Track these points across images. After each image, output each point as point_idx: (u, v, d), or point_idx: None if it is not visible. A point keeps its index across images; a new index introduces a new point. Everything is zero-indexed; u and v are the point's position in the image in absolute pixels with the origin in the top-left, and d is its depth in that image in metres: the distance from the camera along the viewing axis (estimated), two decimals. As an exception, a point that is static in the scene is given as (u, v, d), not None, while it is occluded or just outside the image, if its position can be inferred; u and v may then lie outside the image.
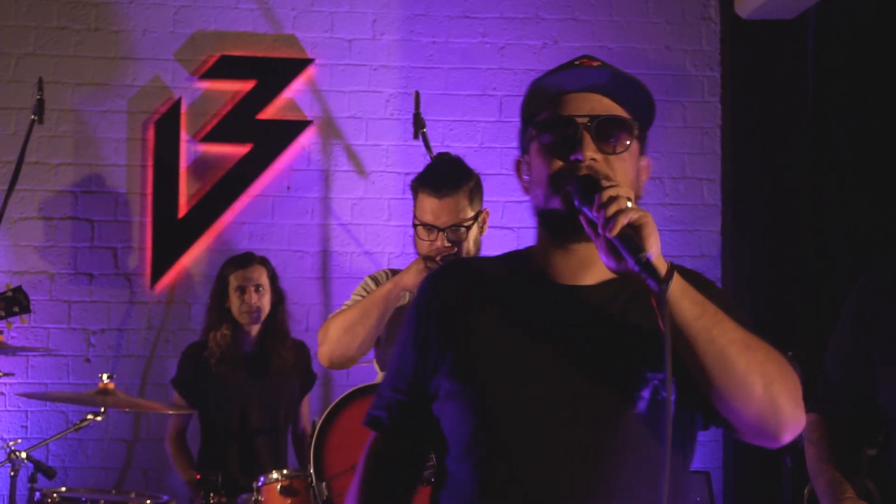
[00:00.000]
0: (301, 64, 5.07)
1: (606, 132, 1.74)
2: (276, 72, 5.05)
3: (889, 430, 2.55)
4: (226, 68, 5.04)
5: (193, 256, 4.97)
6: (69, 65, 4.99)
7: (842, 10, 5.08)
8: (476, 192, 3.31)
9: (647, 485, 1.66)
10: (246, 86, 5.03)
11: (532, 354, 1.75)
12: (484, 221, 3.34)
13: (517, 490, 1.71)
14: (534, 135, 1.80)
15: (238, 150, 5.01)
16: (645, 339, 1.66)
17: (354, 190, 5.09)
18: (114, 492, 4.43)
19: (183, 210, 4.95)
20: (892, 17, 4.95)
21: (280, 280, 4.65)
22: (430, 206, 3.23)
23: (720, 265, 5.20)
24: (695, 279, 1.76)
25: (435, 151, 4.57)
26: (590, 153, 1.71)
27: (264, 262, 4.51)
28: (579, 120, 1.74)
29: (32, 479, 3.82)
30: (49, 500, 3.71)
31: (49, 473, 3.84)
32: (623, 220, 1.60)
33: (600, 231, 1.61)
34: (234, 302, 4.41)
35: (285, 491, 3.50)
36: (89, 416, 3.92)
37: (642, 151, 1.78)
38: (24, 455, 3.76)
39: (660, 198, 5.20)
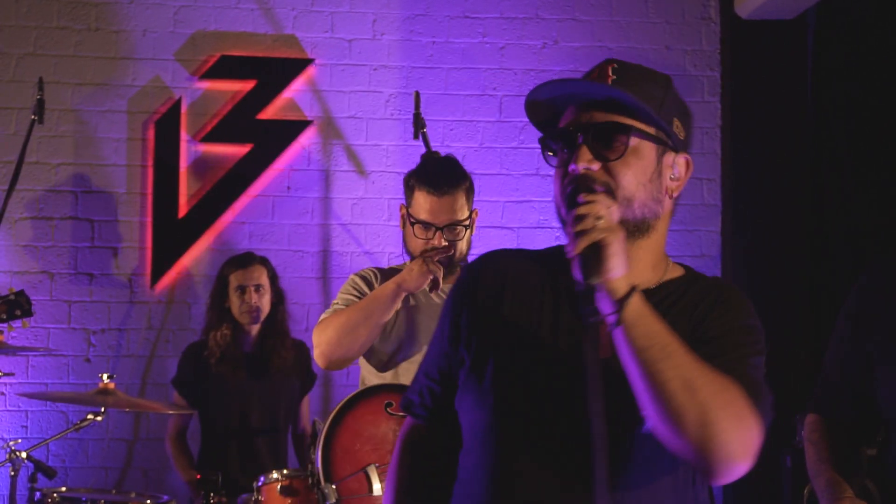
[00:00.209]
0: (301, 64, 5.07)
1: (601, 139, 1.70)
2: (276, 72, 5.05)
3: (888, 430, 2.56)
4: (226, 68, 5.04)
5: (193, 256, 4.97)
6: (69, 65, 4.99)
7: (842, 10, 5.08)
8: (471, 191, 3.30)
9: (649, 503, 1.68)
10: (246, 86, 5.03)
11: (545, 360, 1.74)
12: (473, 222, 3.33)
13: (512, 497, 1.72)
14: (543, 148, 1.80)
15: (238, 150, 5.01)
16: None
17: (354, 190, 5.09)
18: (114, 492, 4.43)
19: (183, 210, 4.95)
20: (892, 17, 4.95)
21: (280, 280, 4.65)
22: (429, 205, 3.20)
23: (720, 265, 5.21)
24: (709, 293, 1.78)
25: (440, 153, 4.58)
26: (583, 163, 1.69)
27: (264, 262, 4.51)
28: (572, 130, 1.72)
29: (33, 479, 3.82)
30: (49, 500, 3.71)
31: (49, 473, 3.85)
32: (583, 242, 1.58)
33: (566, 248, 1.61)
34: (234, 302, 4.41)
35: (285, 491, 3.50)
36: (89, 416, 3.92)
37: (668, 150, 1.74)
38: (24, 455, 3.76)
39: (660, 198, 5.20)
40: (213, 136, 5.01)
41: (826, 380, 2.71)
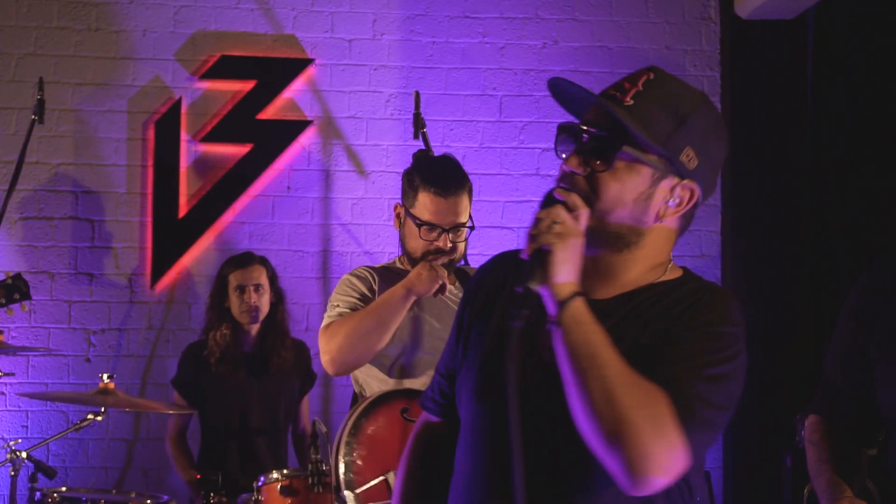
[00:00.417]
0: (301, 64, 5.08)
1: (595, 148, 1.70)
2: (276, 72, 5.05)
3: (888, 431, 2.56)
4: (226, 68, 5.04)
5: (193, 256, 4.97)
6: (69, 65, 4.99)
7: (841, 10, 5.09)
8: (471, 191, 3.29)
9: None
10: (246, 86, 5.03)
11: (523, 362, 1.75)
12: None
13: (475, 492, 1.78)
14: None
15: (238, 150, 5.01)
16: (627, 357, 1.63)
17: (354, 190, 5.09)
18: (114, 491, 4.43)
19: (183, 210, 4.95)
20: (892, 17, 4.95)
21: (280, 280, 4.65)
22: (436, 206, 3.16)
23: (720, 265, 5.21)
24: (691, 296, 1.74)
25: (435, 151, 4.58)
26: (570, 166, 1.71)
27: (264, 261, 4.51)
28: (577, 129, 1.73)
29: (33, 479, 3.82)
30: (49, 500, 3.71)
31: (49, 473, 3.85)
32: (532, 245, 1.62)
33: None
34: (234, 301, 4.42)
35: (285, 491, 3.50)
36: (90, 416, 3.92)
37: (670, 175, 1.70)
38: (24, 455, 3.77)
39: (660, 198, 5.20)
40: (213, 136, 5.01)
41: (827, 381, 2.71)
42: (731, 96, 5.20)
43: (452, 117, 5.15)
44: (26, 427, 4.85)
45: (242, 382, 4.39)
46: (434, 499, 1.94)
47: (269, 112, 5.04)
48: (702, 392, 1.62)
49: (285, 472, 3.57)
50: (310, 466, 3.49)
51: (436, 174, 3.21)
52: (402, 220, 3.27)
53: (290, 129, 5.05)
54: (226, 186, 5.00)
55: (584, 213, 1.66)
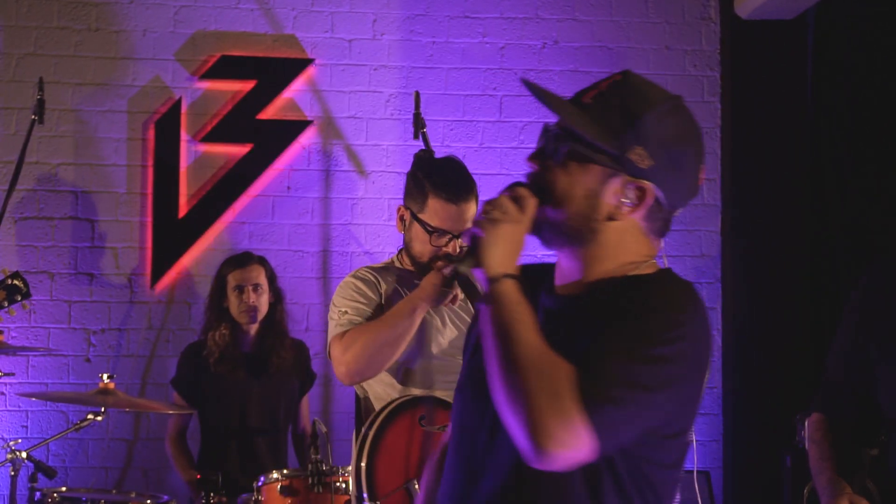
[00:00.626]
0: (301, 64, 5.08)
1: (549, 145, 1.77)
2: (276, 72, 5.05)
3: (889, 430, 2.58)
4: (226, 68, 5.04)
5: (193, 256, 4.97)
6: (69, 65, 4.99)
7: (842, 10, 5.09)
8: (478, 195, 3.24)
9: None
10: (246, 86, 5.03)
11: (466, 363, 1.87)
12: None
13: (444, 492, 1.86)
14: None
15: (238, 150, 5.01)
16: (566, 356, 1.65)
17: (354, 190, 5.09)
18: (114, 491, 4.43)
19: (183, 210, 4.95)
20: (892, 17, 4.95)
21: (280, 280, 4.65)
22: (448, 212, 3.11)
23: (720, 265, 5.21)
24: (645, 290, 1.73)
25: (435, 151, 4.58)
26: (534, 161, 1.79)
27: (262, 261, 4.51)
28: (544, 130, 1.80)
29: (33, 479, 3.82)
30: (49, 500, 3.71)
31: (49, 473, 3.85)
32: (469, 231, 1.72)
33: None
34: (233, 301, 4.41)
35: (285, 491, 3.50)
36: (90, 416, 3.92)
37: (621, 174, 1.73)
38: (24, 455, 3.77)
39: (660, 198, 5.20)
40: (213, 136, 5.01)
41: (829, 380, 2.73)
42: (731, 96, 5.20)
43: (452, 117, 5.15)
44: (26, 427, 4.85)
45: (242, 382, 4.39)
46: None
47: (269, 112, 5.04)
48: (616, 370, 1.62)
49: (285, 472, 3.57)
50: (310, 466, 3.49)
51: (447, 180, 3.15)
52: (406, 224, 3.21)
53: (290, 129, 5.05)
54: (226, 186, 5.00)
55: (529, 203, 1.73)
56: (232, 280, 4.42)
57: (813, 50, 5.19)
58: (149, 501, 3.93)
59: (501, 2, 5.22)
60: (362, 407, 3.28)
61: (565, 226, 1.75)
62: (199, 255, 4.97)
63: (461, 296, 3.12)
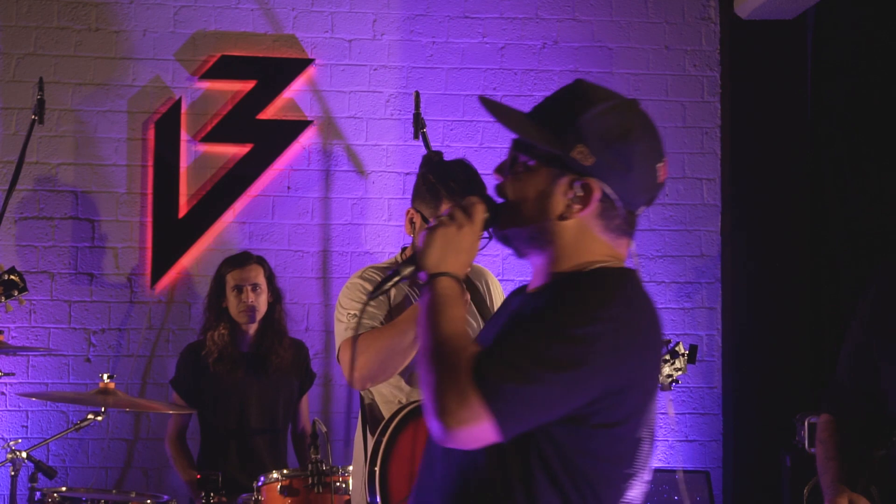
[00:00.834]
0: (301, 64, 5.08)
1: (512, 154, 1.88)
2: (277, 72, 5.05)
3: (892, 428, 2.60)
4: (226, 68, 5.04)
5: (193, 256, 4.97)
6: (69, 65, 4.99)
7: (841, 10, 5.09)
8: None
9: (443, 494, 1.81)
10: (246, 86, 5.03)
11: None
12: None
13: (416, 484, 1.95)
14: None
15: (238, 150, 5.02)
16: None
17: (354, 190, 5.09)
18: (114, 491, 4.44)
19: (183, 210, 4.95)
20: (892, 17, 4.96)
21: (280, 280, 4.65)
22: None
23: (720, 265, 5.21)
24: (569, 286, 1.79)
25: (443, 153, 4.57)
26: (497, 173, 1.89)
27: (261, 261, 4.50)
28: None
29: (33, 479, 3.82)
30: (49, 500, 3.71)
31: (49, 473, 3.85)
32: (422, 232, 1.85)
33: None
34: (232, 301, 4.41)
35: (285, 491, 3.51)
36: (90, 416, 3.93)
37: (568, 173, 1.80)
38: (24, 455, 3.77)
39: (660, 198, 5.19)
40: (213, 136, 5.01)
41: (837, 380, 2.78)
42: (731, 96, 5.21)
43: (452, 117, 5.15)
44: (26, 427, 4.85)
45: (241, 382, 4.39)
46: None
47: (269, 112, 5.04)
48: (514, 350, 1.68)
49: (285, 472, 3.58)
50: (310, 466, 3.49)
51: (462, 186, 3.10)
52: (417, 227, 3.16)
53: (290, 129, 5.05)
54: (226, 186, 5.00)
55: (476, 209, 1.85)
56: (231, 280, 4.42)
57: (813, 50, 5.19)
58: (149, 501, 3.93)
59: (501, 2, 5.22)
60: (367, 410, 3.25)
61: (524, 230, 1.84)
62: (198, 255, 4.98)
63: (468, 298, 3.11)
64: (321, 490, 3.44)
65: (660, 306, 5.49)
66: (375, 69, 5.14)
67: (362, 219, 5.08)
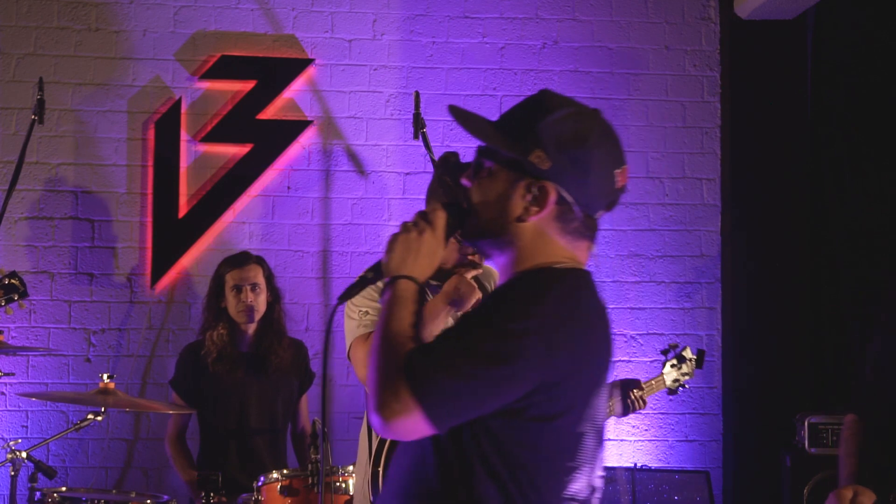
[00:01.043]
0: (301, 64, 5.08)
1: (477, 159, 1.96)
2: (277, 72, 5.05)
3: None
4: (226, 68, 5.04)
5: (193, 256, 4.97)
6: (69, 65, 4.99)
7: (841, 10, 5.09)
8: None
9: (398, 487, 1.90)
10: (246, 86, 5.03)
11: None
12: None
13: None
14: None
15: (238, 150, 5.01)
16: None
17: (354, 190, 5.09)
18: (114, 491, 4.44)
19: (183, 210, 4.95)
20: (892, 17, 4.96)
21: (280, 280, 4.65)
22: None
23: (720, 265, 5.21)
24: (505, 284, 1.90)
25: (435, 151, 4.58)
26: (466, 178, 1.97)
27: (260, 261, 4.50)
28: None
29: (33, 479, 3.82)
30: (49, 500, 3.71)
31: (49, 473, 3.85)
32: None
33: None
34: (231, 301, 4.40)
35: (285, 491, 3.51)
36: (90, 416, 3.92)
37: (527, 177, 1.88)
38: (24, 455, 3.77)
39: (660, 197, 5.21)
40: (213, 136, 5.01)
41: (865, 382, 2.92)
42: (731, 96, 5.21)
43: (452, 117, 5.14)
44: (26, 427, 4.85)
45: (240, 382, 4.39)
46: None
47: (269, 112, 5.04)
48: (445, 344, 1.78)
49: (285, 472, 3.58)
50: (310, 466, 3.49)
51: None
52: None
53: (290, 129, 5.05)
54: (226, 186, 5.00)
55: (438, 215, 1.93)
56: (230, 280, 4.41)
57: (812, 50, 5.19)
58: (149, 501, 3.93)
59: (501, 2, 5.22)
60: None
61: (485, 231, 1.92)
62: (198, 255, 4.98)
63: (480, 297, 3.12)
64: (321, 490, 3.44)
65: (660, 306, 5.51)
66: (375, 69, 5.14)
67: (362, 219, 5.08)
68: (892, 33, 5.01)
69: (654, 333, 5.16)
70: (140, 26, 5.04)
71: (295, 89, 5.08)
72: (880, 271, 4.98)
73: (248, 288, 4.39)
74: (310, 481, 3.47)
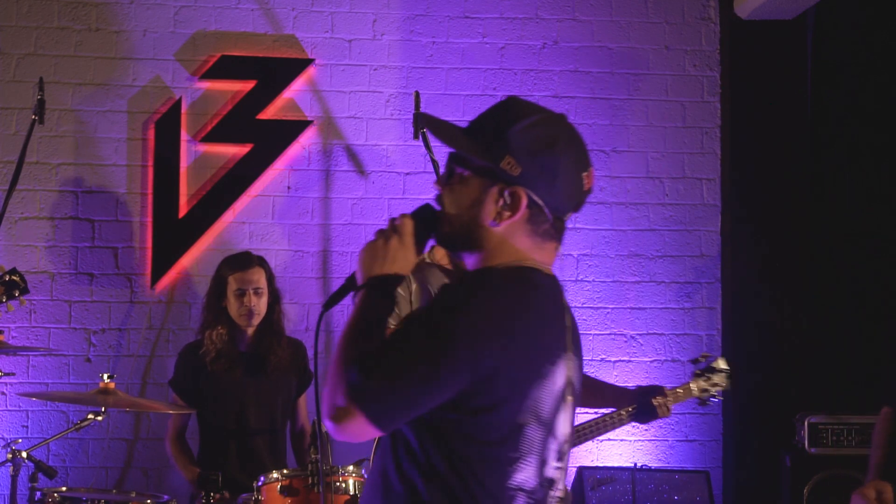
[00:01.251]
0: (301, 64, 5.08)
1: (449, 166, 2.03)
2: (277, 72, 5.05)
3: None
4: (226, 68, 5.04)
5: (193, 256, 4.97)
6: (70, 65, 4.99)
7: (841, 10, 5.09)
8: None
9: (369, 487, 1.97)
10: (246, 86, 5.03)
11: None
12: None
13: None
14: None
15: (238, 150, 5.02)
16: None
17: (354, 190, 5.10)
18: (114, 491, 4.43)
19: (183, 210, 4.96)
20: (891, 17, 4.96)
21: (280, 280, 4.65)
22: None
23: (720, 265, 5.21)
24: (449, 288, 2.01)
25: (435, 151, 4.58)
26: (437, 185, 2.04)
27: (263, 262, 4.49)
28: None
29: (33, 479, 3.82)
30: (50, 500, 3.71)
31: (50, 473, 3.85)
32: None
33: None
34: (233, 304, 4.39)
35: (285, 491, 3.51)
36: (90, 416, 3.92)
37: (499, 183, 1.93)
38: (24, 455, 3.77)
39: (660, 198, 5.21)
40: (213, 136, 5.01)
41: None
42: (731, 96, 5.21)
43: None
44: (26, 427, 4.85)
45: (239, 382, 4.39)
46: None
47: (269, 112, 5.04)
48: (385, 347, 1.84)
49: (285, 472, 3.58)
50: (310, 466, 3.49)
51: None
52: None
53: (290, 129, 5.05)
54: (226, 186, 5.00)
55: (405, 222, 2.02)
56: (233, 283, 4.39)
57: (812, 50, 5.19)
58: (149, 501, 3.93)
59: (501, 2, 5.22)
60: None
61: (458, 235, 1.99)
62: (199, 255, 4.98)
63: None
64: (321, 490, 3.44)
65: (660, 306, 5.51)
66: (375, 69, 5.14)
67: (362, 219, 5.08)
68: (892, 33, 5.02)
69: (654, 333, 5.16)
70: (140, 26, 5.04)
71: (295, 89, 5.08)
72: (880, 271, 4.98)
73: (252, 292, 4.38)
74: (310, 481, 3.46)
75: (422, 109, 4.64)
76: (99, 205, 4.96)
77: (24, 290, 4.19)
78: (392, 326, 3.07)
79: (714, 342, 5.16)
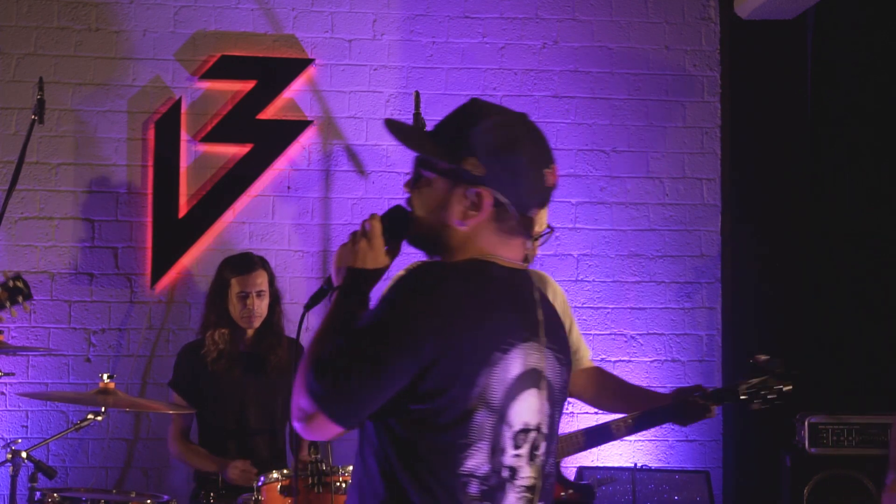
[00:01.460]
0: (301, 64, 5.08)
1: (416, 169, 2.11)
2: (277, 72, 5.05)
3: None
4: (226, 68, 5.04)
5: (193, 256, 4.97)
6: (69, 65, 4.99)
7: (841, 10, 5.09)
8: None
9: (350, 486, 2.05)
10: (246, 86, 5.03)
11: None
12: None
13: None
14: None
15: (238, 150, 5.02)
16: None
17: (354, 190, 5.10)
18: (114, 491, 4.43)
19: (183, 210, 4.95)
20: (891, 17, 4.96)
21: (280, 280, 4.65)
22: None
23: (720, 265, 5.21)
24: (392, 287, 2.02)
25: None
26: (406, 188, 2.12)
27: (265, 264, 4.49)
28: None
29: (33, 479, 3.82)
30: (49, 500, 3.71)
31: (49, 473, 3.85)
32: None
33: None
34: (236, 306, 4.39)
35: (285, 491, 3.51)
36: (90, 416, 3.92)
37: (462, 183, 2.00)
38: (24, 455, 3.77)
39: (660, 197, 5.21)
40: (213, 136, 5.01)
41: None
42: (731, 96, 5.21)
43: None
44: (26, 427, 4.85)
45: (239, 382, 4.39)
46: None
47: (269, 112, 5.04)
48: (338, 350, 1.92)
49: (285, 472, 3.58)
50: (310, 466, 3.49)
51: None
52: None
53: (290, 129, 5.05)
54: (226, 186, 5.00)
55: (373, 225, 2.11)
56: (236, 285, 4.39)
57: (812, 50, 5.19)
58: (149, 501, 3.93)
59: (501, 2, 5.22)
60: None
61: (426, 236, 2.05)
62: (199, 255, 4.98)
63: None
64: (321, 490, 3.44)
65: (660, 306, 5.51)
66: (375, 69, 5.14)
67: (362, 219, 5.06)
68: (892, 33, 5.01)
69: (654, 333, 5.16)
70: (140, 26, 5.04)
71: (295, 89, 5.08)
72: (880, 271, 4.98)
73: (254, 294, 4.38)
74: (310, 481, 3.47)
75: (422, 109, 4.65)
76: (99, 205, 4.96)
77: (28, 297, 4.19)
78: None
79: (714, 342, 5.16)
